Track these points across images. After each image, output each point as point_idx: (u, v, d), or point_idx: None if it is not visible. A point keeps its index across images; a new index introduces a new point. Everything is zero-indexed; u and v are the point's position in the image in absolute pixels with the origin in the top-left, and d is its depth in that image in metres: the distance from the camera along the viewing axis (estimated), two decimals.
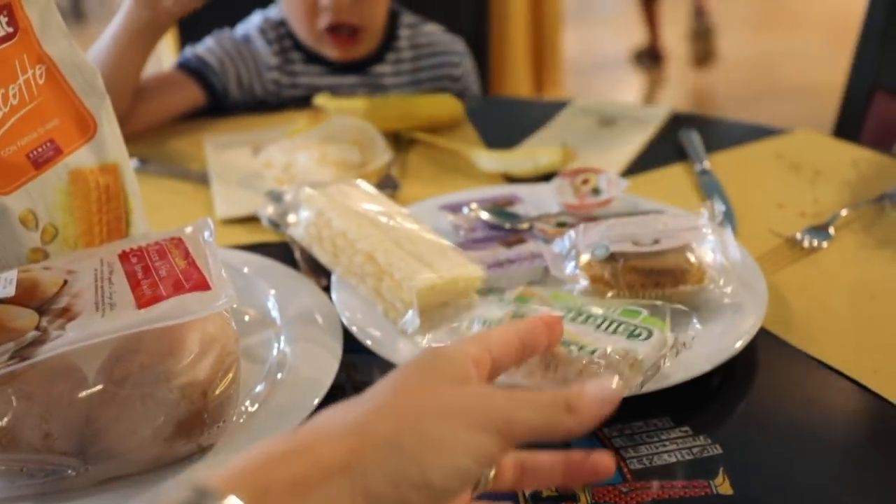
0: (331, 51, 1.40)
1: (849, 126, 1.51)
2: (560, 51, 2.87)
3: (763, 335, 0.77)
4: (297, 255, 0.90)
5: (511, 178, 1.11)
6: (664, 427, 0.68)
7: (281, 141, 1.15)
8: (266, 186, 1.05)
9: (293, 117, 1.31)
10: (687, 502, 0.61)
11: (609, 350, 0.60)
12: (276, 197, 0.99)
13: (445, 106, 1.31)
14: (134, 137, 1.16)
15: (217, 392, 0.61)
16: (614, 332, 0.62)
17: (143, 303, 0.60)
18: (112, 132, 0.74)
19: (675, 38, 4.28)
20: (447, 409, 0.44)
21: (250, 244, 0.95)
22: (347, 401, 0.45)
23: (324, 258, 0.83)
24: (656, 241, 0.79)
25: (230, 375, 0.62)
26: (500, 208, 0.95)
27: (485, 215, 0.93)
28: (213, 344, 0.62)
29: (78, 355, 0.58)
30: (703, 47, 4.14)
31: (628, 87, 4.09)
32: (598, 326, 0.63)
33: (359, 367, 0.75)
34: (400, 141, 1.23)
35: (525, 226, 0.92)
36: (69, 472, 0.58)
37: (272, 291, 0.82)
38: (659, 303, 0.68)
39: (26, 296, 0.61)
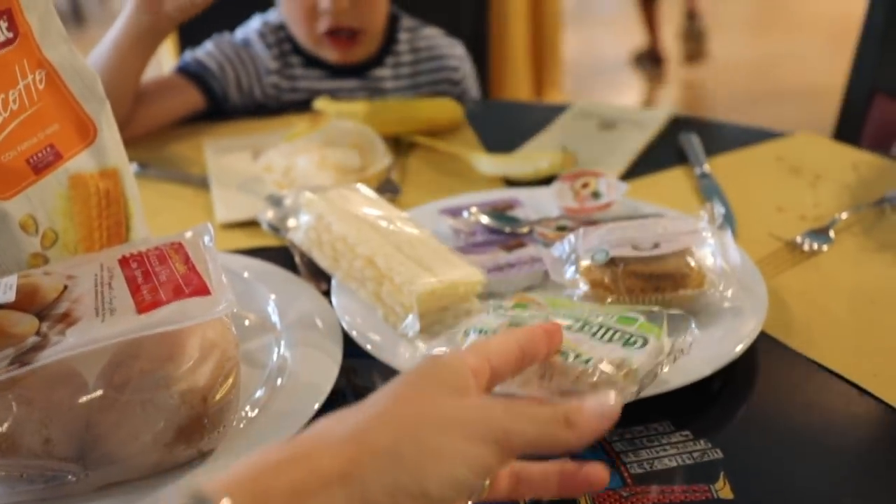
0: (330, 54, 1.40)
1: (849, 128, 1.51)
2: (560, 53, 2.87)
3: (763, 339, 0.77)
4: (297, 259, 0.90)
5: (511, 182, 1.11)
6: (664, 431, 0.68)
7: (281, 145, 1.15)
8: (266, 190, 1.05)
9: (293, 121, 1.31)
10: None
11: (603, 359, 0.60)
12: (275, 201, 0.99)
13: (445, 109, 1.31)
14: (134, 142, 1.16)
15: (217, 397, 0.61)
16: (610, 340, 0.62)
17: (143, 308, 0.60)
18: (112, 137, 0.74)
19: (674, 40, 4.29)
20: (446, 420, 0.44)
21: (250, 248, 0.95)
22: (346, 408, 0.46)
23: (324, 262, 0.83)
24: (656, 246, 0.79)
25: (230, 380, 0.63)
26: (500, 212, 0.95)
27: (485, 219, 0.93)
28: (213, 349, 0.62)
29: (78, 361, 0.58)
30: (695, 47, 4.16)
31: (628, 90, 4.09)
32: (594, 335, 0.63)
33: (359, 371, 0.75)
34: (400, 145, 1.23)
35: (525, 230, 0.92)
36: (69, 477, 0.59)
37: (272, 296, 0.82)
38: (656, 308, 0.68)
39: (26, 301, 0.61)
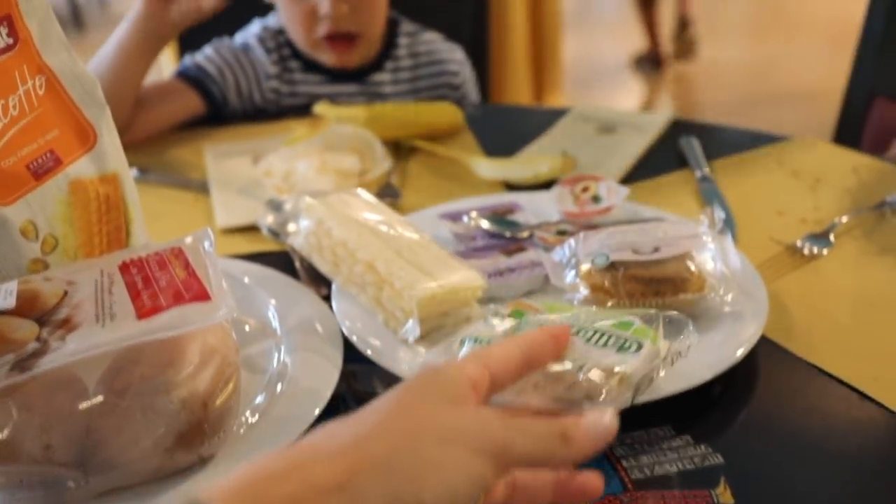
0: (328, 57, 1.40)
1: (849, 132, 1.51)
2: (560, 57, 2.87)
3: (764, 343, 0.77)
4: (298, 264, 0.90)
5: (511, 186, 1.12)
6: (665, 436, 0.67)
7: (281, 149, 1.15)
8: (266, 195, 1.05)
9: (293, 126, 1.31)
10: None
11: (595, 366, 0.59)
12: (276, 206, 0.99)
13: (445, 114, 1.31)
14: (134, 146, 1.16)
15: (217, 403, 0.61)
16: (604, 345, 0.62)
17: (143, 313, 0.60)
18: (112, 142, 0.74)
19: (667, 43, 4.29)
20: (444, 431, 0.44)
21: (250, 253, 0.95)
22: (343, 418, 0.46)
23: (324, 267, 0.83)
24: (656, 250, 0.79)
25: (230, 386, 0.63)
26: (500, 217, 0.95)
27: (485, 224, 0.93)
28: (213, 355, 0.62)
29: (78, 366, 0.58)
30: (684, 51, 4.19)
31: (628, 93, 4.09)
32: (588, 340, 0.63)
33: (359, 376, 0.75)
34: (400, 149, 1.23)
35: (525, 234, 0.92)
36: (69, 483, 0.58)
37: (272, 301, 0.82)
38: (653, 311, 0.68)
39: (26, 307, 0.61)
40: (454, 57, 1.51)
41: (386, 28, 1.46)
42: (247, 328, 0.78)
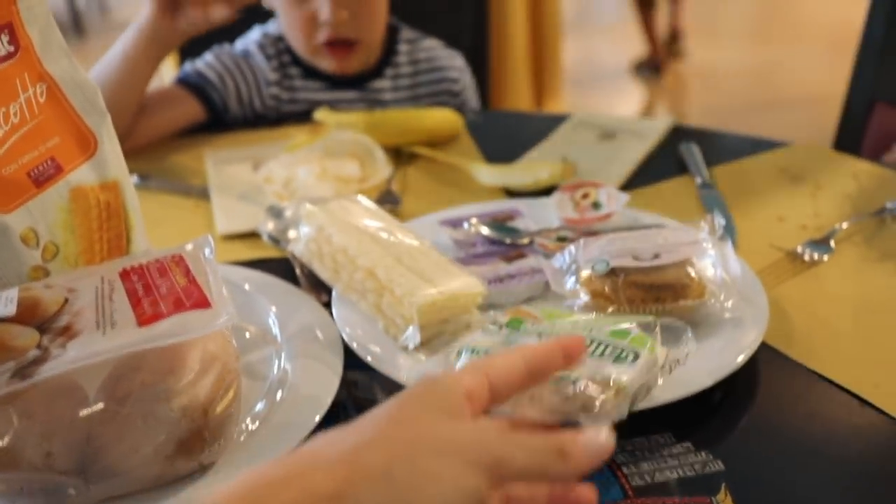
0: (327, 63, 1.40)
1: (849, 137, 1.51)
2: (560, 63, 2.88)
3: (764, 349, 0.77)
4: (298, 271, 0.90)
5: (511, 193, 1.12)
6: (666, 443, 0.67)
7: (281, 156, 1.15)
8: (266, 201, 1.06)
9: (293, 132, 1.31)
10: None
11: (591, 379, 0.59)
12: (276, 213, 0.99)
13: (445, 120, 1.31)
14: (134, 153, 1.16)
15: (218, 410, 0.61)
16: (601, 355, 0.62)
17: (143, 321, 0.60)
18: (112, 149, 0.74)
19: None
20: (440, 443, 0.44)
21: (251, 260, 0.95)
22: (341, 428, 0.46)
23: (324, 274, 0.83)
24: (656, 256, 0.79)
25: (231, 393, 0.63)
26: (500, 223, 0.95)
27: (485, 230, 0.93)
28: (213, 362, 0.62)
29: (79, 374, 0.58)
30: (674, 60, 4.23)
31: (628, 98, 4.10)
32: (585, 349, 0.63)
33: (360, 383, 0.75)
34: (400, 155, 1.23)
35: (525, 241, 0.92)
36: (70, 491, 0.58)
37: (273, 308, 0.82)
38: (651, 319, 0.68)
39: (27, 314, 0.61)
40: (454, 64, 1.52)
41: (386, 35, 1.46)
42: (247, 335, 0.78)
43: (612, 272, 0.78)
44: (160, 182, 1.17)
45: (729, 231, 0.98)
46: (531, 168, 1.13)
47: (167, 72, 1.78)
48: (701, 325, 0.76)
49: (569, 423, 0.58)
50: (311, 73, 1.43)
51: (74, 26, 5.15)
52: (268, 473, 0.43)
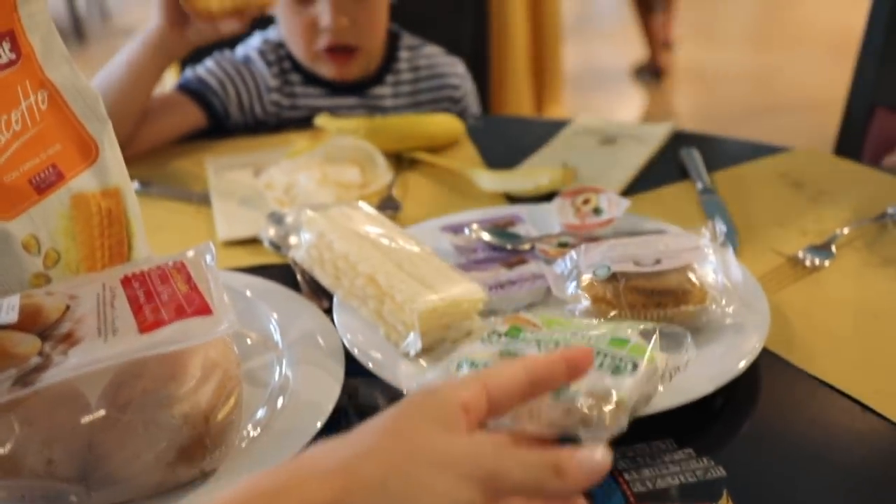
0: (327, 69, 1.41)
1: (850, 142, 1.51)
2: (561, 68, 2.88)
3: (765, 355, 0.77)
4: (299, 277, 0.90)
5: (512, 198, 1.12)
6: (667, 449, 0.67)
7: (282, 162, 1.15)
8: (267, 208, 1.06)
9: (294, 138, 1.31)
10: None
11: (592, 390, 0.59)
12: (277, 219, 0.99)
13: (446, 125, 1.31)
14: (135, 159, 1.17)
15: (219, 417, 0.61)
16: (600, 366, 0.62)
17: (145, 328, 0.60)
18: (114, 156, 0.74)
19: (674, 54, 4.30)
20: (436, 456, 0.44)
21: (252, 266, 0.95)
22: (340, 437, 0.46)
23: (325, 281, 0.83)
24: (658, 262, 0.79)
25: (232, 400, 0.63)
26: (501, 229, 0.95)
27: (486, 236, 0.93)
28: (215, 369, 0.62)
29: (81, 381, 0.58)
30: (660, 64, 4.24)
31: (629, 102, 4.10)
32: None
33: (361, 389, 0.75)
34: (401, 161, 1.23)
35: (526, 246, 0.92)
36: (72, 498, 0.58)
37: (274, 314, 0.82)
38: (650, 326, 0.68)
39: (29, 321, 0.61)
40: (455, 70, 1.52)
41: (387, 41, 1.46)
42: (248, 341, 0.78)
43: (614, 277, 0.78)
44: (161, 188, 1.17)
45: (730, 236, 0.97)
46: (532, 174, 1.13)
47: (168, 77, 1.78)
48: (702, 330, 0.76)
49: (568, 437, 0.58)
50: (311, 79, 1.44)
51: (75, 32, 5.16)
52: (265, 482, 0.43)
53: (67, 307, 0.63)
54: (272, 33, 1.45)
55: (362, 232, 0.84)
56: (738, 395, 0.73)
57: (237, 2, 1.14)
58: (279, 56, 1.43)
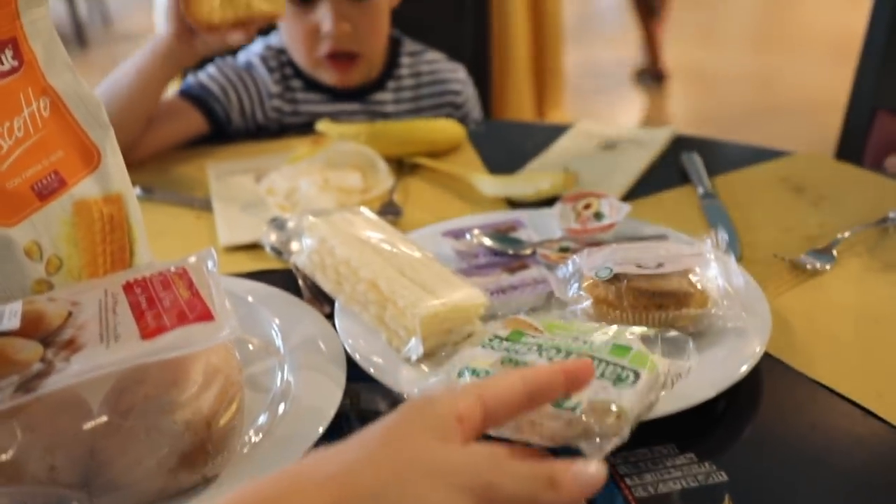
0: (328, 76, 1.41)
1: (851, 145, 1.51)
2: (562, 73, 2.89)
3: (767, 359, 0.77)
4: (301, 282, 0.90)
5: (513, 203, 1.12)
6: (669, 454, 0.67)
7: (283, 167, 1.15)
8: (269, 213, 1.06)
9: (295, 144, 1.31)
10: None
11: (593, 401, 0.59)
12: (279, 224, 0.99)
13: (447, 130, 1.31)
14: (137, 165, 1.17)
15: (221, 423, 0.61)
16: (601, 375, 0.62)
17: (147, 334, 0.60)
18: (116, 163, 0.74)
19: (675, 56, 4.30)
20: (431, 467, 0.44)
21: (253, 271, 0.95)
22: (334, 446, 0.46)
23: (327, 286, 0.83)
24: (660, 265, 0.79)
25: (234, 406, 0.63)
26: (502, 234, 0.95)
27: (487, 241, 0.93)
28: (216, 375, 0.62)
29: (83, 387, 0.58)
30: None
31: (630, 106, 4.10)
32: None
33: (362, 395, 0.75)
34: (402, 166, 1.23)
35: (527, 251, 0.92)
36: None
37: (276, 320, 0.82)
38: (652, 333, 0.68)
39: (31, 328, 0.61)
40: (457, 76, 1.52)
41: (388, 48, 1.47)
42: (250, 347, 0.78)
43: (616, 278, 0.78)
44: (163, 194, 1.17)
45: (731, 244, 0.97)
46: (533, 178, 1.14)
47: (170, 83, 1.78)
48: (703, 335, 0.76)
49: (569, 448, 0.58)
50: (313, 85, 1.44)
51: (77, 38, 5.17)
52: (262, 490, 0.43)
53: (69, 313, 0.63)
54: (274, 39, 1.45)
55: (364, 237, 0.84)
56: (740, 399, 0.73)
57: (239, 14, 1.14)
58: (281, 62, 1.44)
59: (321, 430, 0.67)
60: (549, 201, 1.05)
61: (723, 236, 0.82)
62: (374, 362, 0.74)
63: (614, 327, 0.70)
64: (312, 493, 0.42)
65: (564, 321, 0.76)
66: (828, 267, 0.94)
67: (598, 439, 0.57)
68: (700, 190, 1.12)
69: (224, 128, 1.38)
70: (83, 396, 0.58)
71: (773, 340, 0.77)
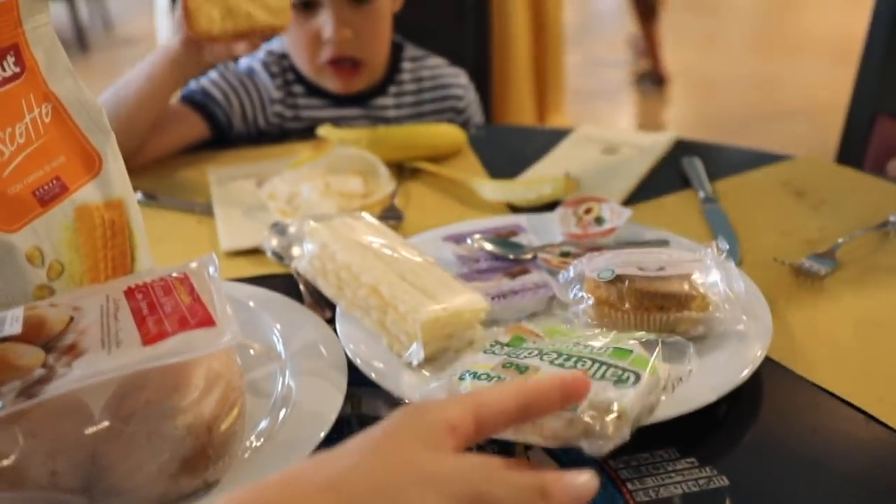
0: (331, 83, 1.41)
1: (851, 149, 1.51)
2: (563, 78, 2.89)
3: (767, 363, 0.77)
4: (302, 287, 0.90)
5: (514, 208, 1.12)
6: (670, 458, 0.67)
7: (284, 172, 1.15)
8: (270, 218, 1.06)
9: (296, 149, 1.32)
10: None
11: (594, 401, 0.59)
12: (280, 229, 0.99)
13: (448, 135, 1.31)
14: (139, 170, 1.17)
15: (222, 428, 0.61)
16: (602, 376, 0.62)
17: (148, 339, 0.60)
18: (117, 168, 0.74)
19: (675, 60, 4.30)
20: (423, 476, 0.44)
21: (255, 276, 0.95)
22: (327, 452, 0.46)
23: (328, 291, 0.83)
24: (661, 269, 0.79)
25: (235, 411, 0.63)
26: (503, 239, 0.95)
27: (488, 246, 0.93)
28: (218, 380, 0.62)
29: (84, 392, 0.58)
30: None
31: (631, 110, 4.11)
32: (586, 372, 0.63)
33: (363, 399, 0.75)
34: (403, 171, 1.23)
35: (528, 256, 0.92)
36: None
37: (277, 325, 0.82)
38: (653, 337, 0.68)
39: (33, 333, 0.61)
40: (458, 81, 1.52)
41: (390, 53, 1.47)
42: (251, 352, 0.78)
43: (618, 279, 0.78)
44: (164, 199, 1.18)
45: (732, 250, 0.97)
46: (534, 183, 1.14)
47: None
48: (704, 339, 0.76)
49: (570, 448, 0.58)
50: (314, 90, 1.44)
51: (78, 42, 5.18)
52: (257, 497, 0.43)
53: (71, 319, 0.63)
54: (276, 45, 1.45)
55: (365, 242, 0.85)
56: (741, 403, 0.73)
57: (239, 26, 1.14)
58: (282, 67, 1.44)
59: (322, 435, 0.67)
60: (550, 206, 1.05)
61: (723, 245, 0.82)
62: (376, 367, 0.74)
63: (615, 333, 0.70)
64: (308, 500, 0.43)
65: (565, 327, 0.76)
66: (829, 271, 0.94)
67: (598, 439, 0.57)
68: (701, 194, 1.12)
69: (226, 133, 1.38)
70: (85, 402, 0.58)
71: (774, 345, 0.77)
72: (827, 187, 1.15)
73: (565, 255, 0.92)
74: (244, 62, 1.44)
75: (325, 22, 1.32)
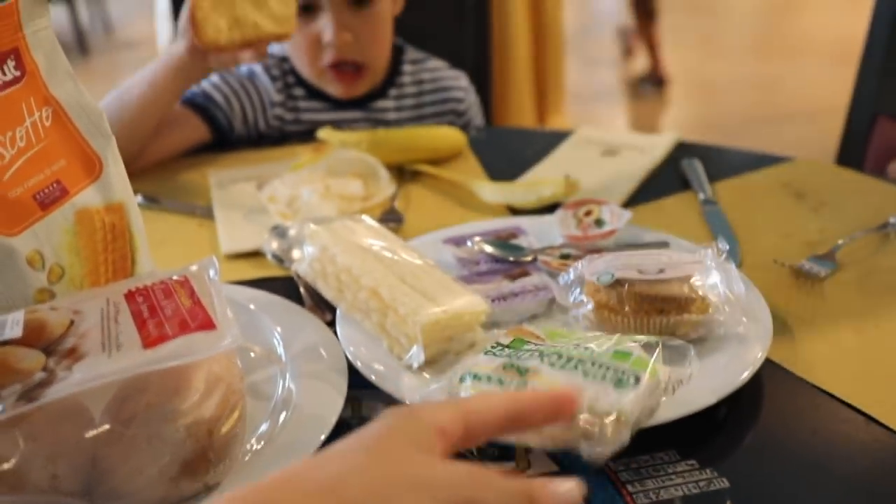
0: (333, 88, 1.41)
1: (852, 151, 1.51)
2: (562, 80, 2.89)
3: (768, 365, 0.77)
4: (302, 290, 0.90)
5: (514, 210, 1.12)
6: (670, 461, 0.67)
7: (285, 175, 1.15)
8: (270, 221, 1.06)
9: (297, 152, 1.32)
10: None
11: (594, 404, 0.59)
12: (280, 232, 0.99)
13: (448, 137, 1.31)
14: (139, 174, 1.17)
15: (223, 431, 0.61)
16: (602, 378, 0.62)
17: (149, 343, 0.60)
18: (117, 172, 0.74)
19: (675, 61, 4.30)
20: (415, 480, 0.45)
21: (255, 279, 0.95)
22: (319, 455, 0.46)
23: (328, 294, 0.83)
24: (661, 271, 0.79)
25: (236, 414, 0.63)
26: (503, 241, 0.95)
27: (488, 248, 0.93)
28: (218, 383, 0.62)
29: (85, 395, 0.58)
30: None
31: (631, 112, 4.11)
32: (587, 374, 0.63)
33: (364, 402, 0.75)
34: (403, 173, 1.24)
35: (528, 258, 0.92)
36: None
37: (277, 327, 0.82)
38: (654, 339, 0.68)
39: (33, 337, 0.61)
40: (459, 84, 1.52)
41: (390, 55, 1.47)
42: (252, 355, 0.78)
43: (617, 283, 0.78)
44: (165, 202, 1.18)
45: (732, 252, 0.97)
46: (534, 185, 1.14)
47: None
48: (704, 341, 0.76)
49: (569, 452, 0.58)
50: (314, 93, 1.44)
51: (78, 45, 5.18)
52: (258, 496, 0.43)
53: (71, 322, 0.63)
54: (276, 48, 1.45)
55: (365, 245, 0.85)
56: (741, 405, 0.74)
57: (246, 35, 1.14)
58: (283, 70, 1.44)
59: (323, 437, 0.67)
60: (550, 208, 1.05)
61: (723, 246, 0.82)
62: (376, 370, 0.74)
63: (616, 336, 0.70)
64: (308, 500, 0.43)
65: (566, 329, 0.76)
66: (829, 273, 0.94)
67: (597, 443, 0.57)
68: (701, 196, 1.12)
69: (226, 136, 1.38)
70: (85, 405, 0.58)
71: (774, 346, 0.77)
72: (827, 189, 1.15)
73: (565, 257, 0.92)
74: (245, 65, 1.44)
75: (325, 26, 1.33)
